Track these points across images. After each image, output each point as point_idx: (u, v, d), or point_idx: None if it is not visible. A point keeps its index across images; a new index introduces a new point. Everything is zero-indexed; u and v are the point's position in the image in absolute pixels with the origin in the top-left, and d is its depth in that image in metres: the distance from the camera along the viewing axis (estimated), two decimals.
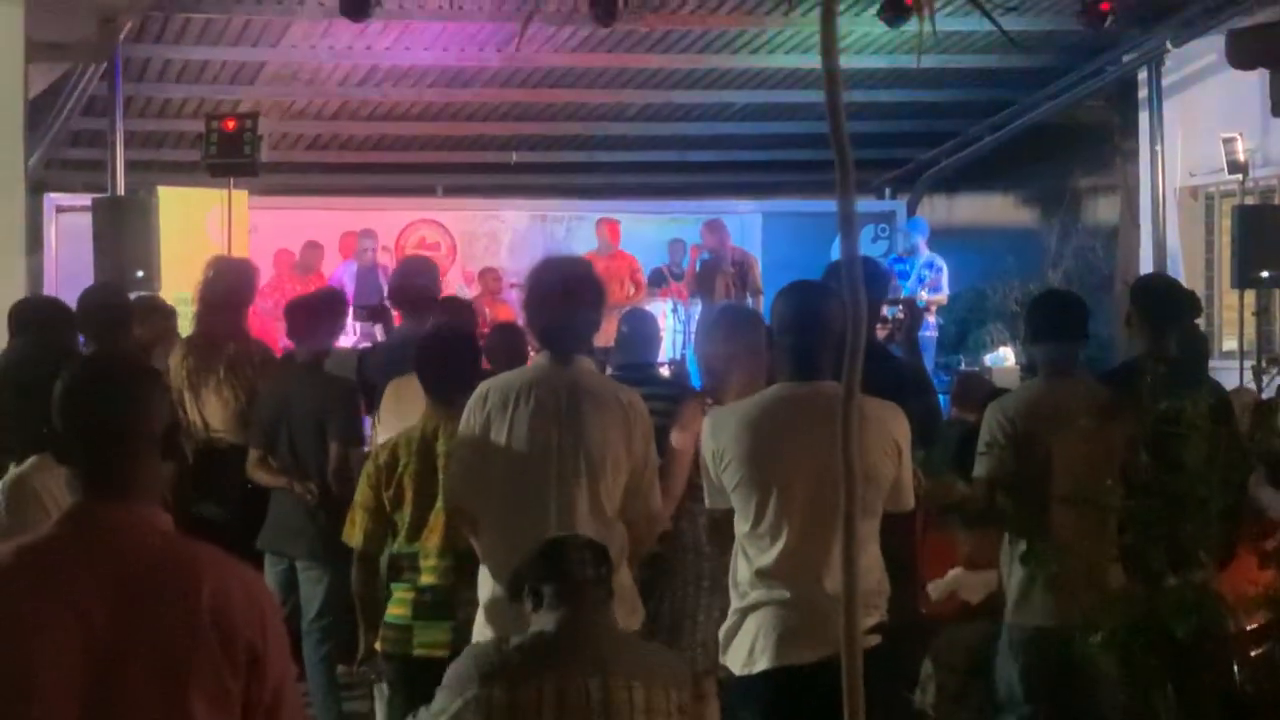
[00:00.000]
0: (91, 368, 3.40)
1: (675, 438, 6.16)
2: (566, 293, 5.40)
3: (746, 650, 4.99)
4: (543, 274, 5.61)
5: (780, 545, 4.95)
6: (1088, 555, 4.87)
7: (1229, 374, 12.30)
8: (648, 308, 13.07)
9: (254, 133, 13.37)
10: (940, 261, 16.91)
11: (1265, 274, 13.72)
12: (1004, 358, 16.13)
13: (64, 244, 16.42)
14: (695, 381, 15.06)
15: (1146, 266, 16.02)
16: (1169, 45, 15.80)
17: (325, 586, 7.42)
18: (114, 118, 14.44)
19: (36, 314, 7.44)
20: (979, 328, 17.89)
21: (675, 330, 16.59)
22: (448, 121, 18.02)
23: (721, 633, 5.14)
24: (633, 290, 17.06)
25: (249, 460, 7.66)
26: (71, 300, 8.02)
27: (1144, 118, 16.70)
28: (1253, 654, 5.03)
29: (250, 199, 14.81)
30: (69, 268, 15.39)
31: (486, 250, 18.72)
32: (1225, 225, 15.40)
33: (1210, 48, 15.10)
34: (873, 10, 14.18)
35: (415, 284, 8.43)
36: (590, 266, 6.09)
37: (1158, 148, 16.34)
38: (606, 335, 7.52)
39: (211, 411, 8.02)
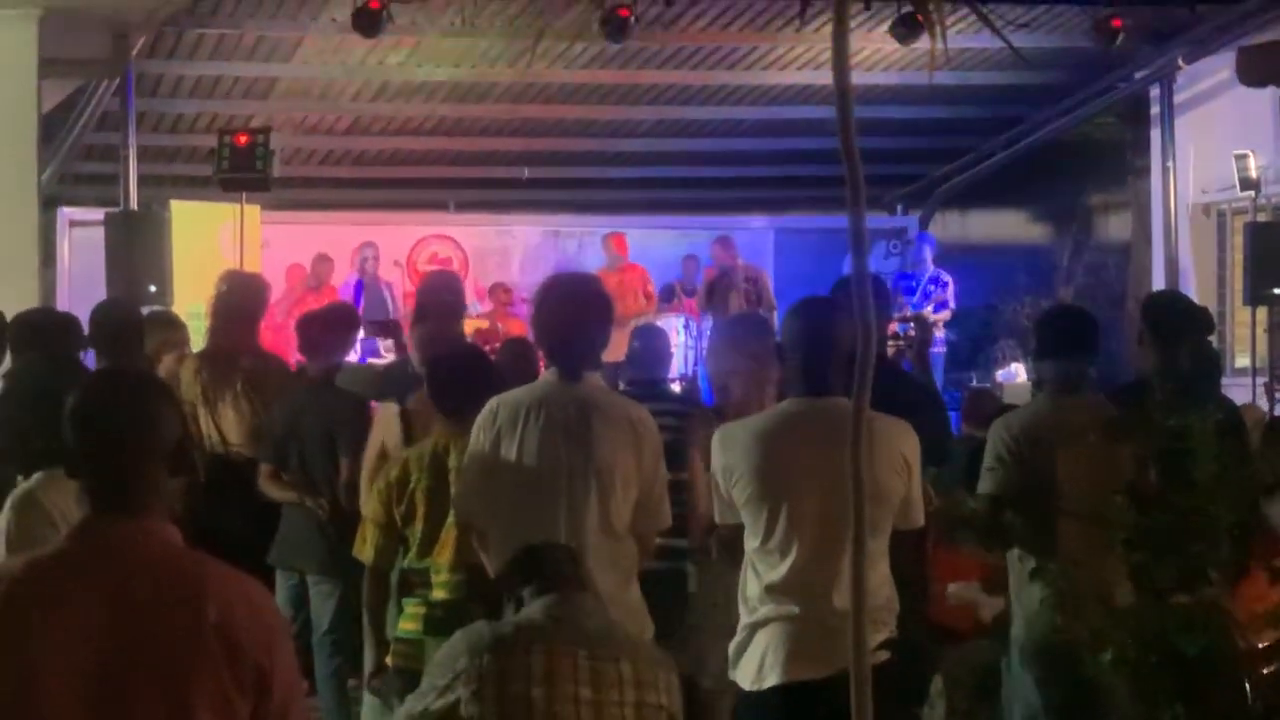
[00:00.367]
0: (102, 382, 3.41)
1: (699, 457, 6.17)
2: (575, 309, 5.41)
3: (756, 666, 4.99)
4: (551, 291, 5.61)
5: (790, 561, 4.95)
6: (1095, 572, 4.86)
7: (1242, 391, 12.29)
8: (659, 323, 13.10)
9: (266, 148, 13.40)
10: (946, 276, 16.92)
11: (1277, 290, 13.71)
12: (1015, 374, 16.11)
13: (77, 258, 16.47)
14: (706, 397, 15.15)
15: (1159, 283, 16.00)
16: (1181, 62, 15.79)
17: (336, 601, 7.42)
18: (127, 132, 14.48)
19: (44, 327, 7.43)
20: (991, 344, 17.88)
21: (687, 346, 16.60)
22: (460, 137, 18.04)
23: (731, 648, 5.13)
24: (644, 302, 17.08)
25: (260, 475, 7.67)
26: (84, 314, 8.02)
27: (1156, 135, 16.69)
28: (1264, 671, 5.02)
29: (263, 214, 14.84)
30: (82, 282, 15.42)
31: (498, 266, 18.75)
32: (1237, 242, 15.39)
33: (1222, 65, 15.09)
34: (885, 27, 14.19)
35: (442, 298, 8.42)
36: (599, 283, 6.10)
37: (1170, 164, 16.32)
38: (618, 350, 7.52)
39: (229, 425, 8.03)
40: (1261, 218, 14.80)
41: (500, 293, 17.20)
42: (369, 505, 6.10)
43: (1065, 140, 18.13)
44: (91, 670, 2.90)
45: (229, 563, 3.10)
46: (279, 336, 13.20)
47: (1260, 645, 5.01)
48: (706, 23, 15.26)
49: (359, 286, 16.58)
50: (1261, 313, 14.36)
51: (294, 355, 8.64)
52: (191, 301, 11.61)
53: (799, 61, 16.36)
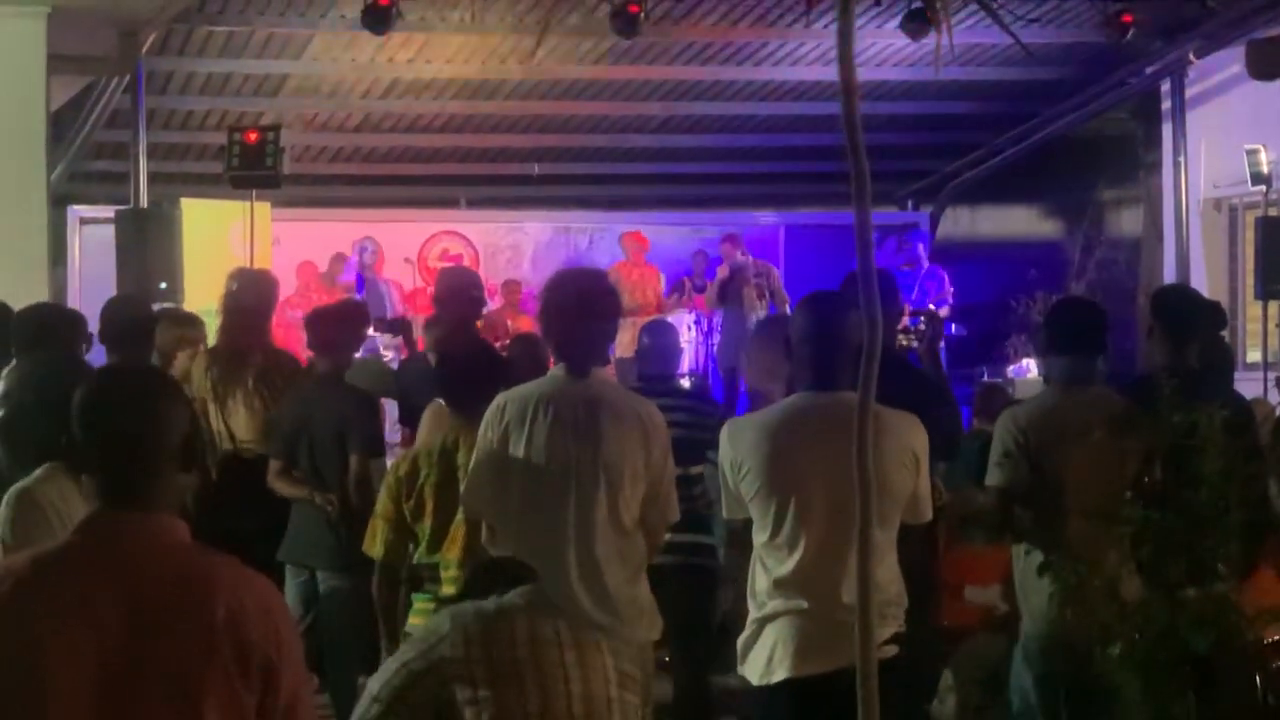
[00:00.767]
0: (110, 378, 3.42)
1: None
2: (582, 305, 5.41)
3: (764, 660, 4.99)
4: (558, 286, 5.61)
5: (798, 555, 4.95)
6: (1102, 566, 4.86)
7: (1254, 385, 12.26)
8: (669, 319, 13.10)
9: (276, 145, 13.39)
10: (941, 271, 16.97)
11: None
12: (1027, 370, 16.10)
13: (87, 256, 16.51)
14: (716, 393, 15.17)
15: (1170, 278, 15.97)
16: (1191, 57, 15.77)
17: (346, 597, 7.42)
18: (137, 130, 14.48)
19: (48, 323, 7.42)
20: (1002, 340, 17.86)
21: (696, 342, 16.62)
22: (470, 134, 18.06)
23: (739, 643, 5.13)
24: (653, 301, 17.10)
25: (270, 471, 7.68)
26: (95, 312, 8.03)
27: (1167, 129, 16.67)
28: (1274, 666, 5.02)
29: (273, 211, 14.85)
30: (92, 279, 15.44)
31: (509, 262, 18.77)
32: (1249, 237, 15.37)
33: (1233, 59, 15.07)
34: (894, 23, 14.18)
35: (469, 294, 8.43)
36: (605, 278, 6.10)
37: (1181, 159, 16.30)
38: (628, 345, 7.53)
39: (239, 422, 8.03)
40: (1273, 212, 14.77)
41: (511, 289, 17.22)
42: (379, 501, 6.11)
43: (1076, 135, 18.11)
44: (99, 666, 2.90)
45: (238, 559, 3.10)
46: (290, 334, 13.21)
47: (1268, 640, 5.00)
48: (716, 18, 15.26)
49: (359, 282, 16.59)
50: (1273, 307, 14.33)
51: (304, 352, 8.64)
52: (202, 299, 11.62)
53: (808, 57, 16.36)
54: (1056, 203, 19.86)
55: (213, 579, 3.00)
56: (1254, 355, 15.16)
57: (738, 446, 5.10)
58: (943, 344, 15.39)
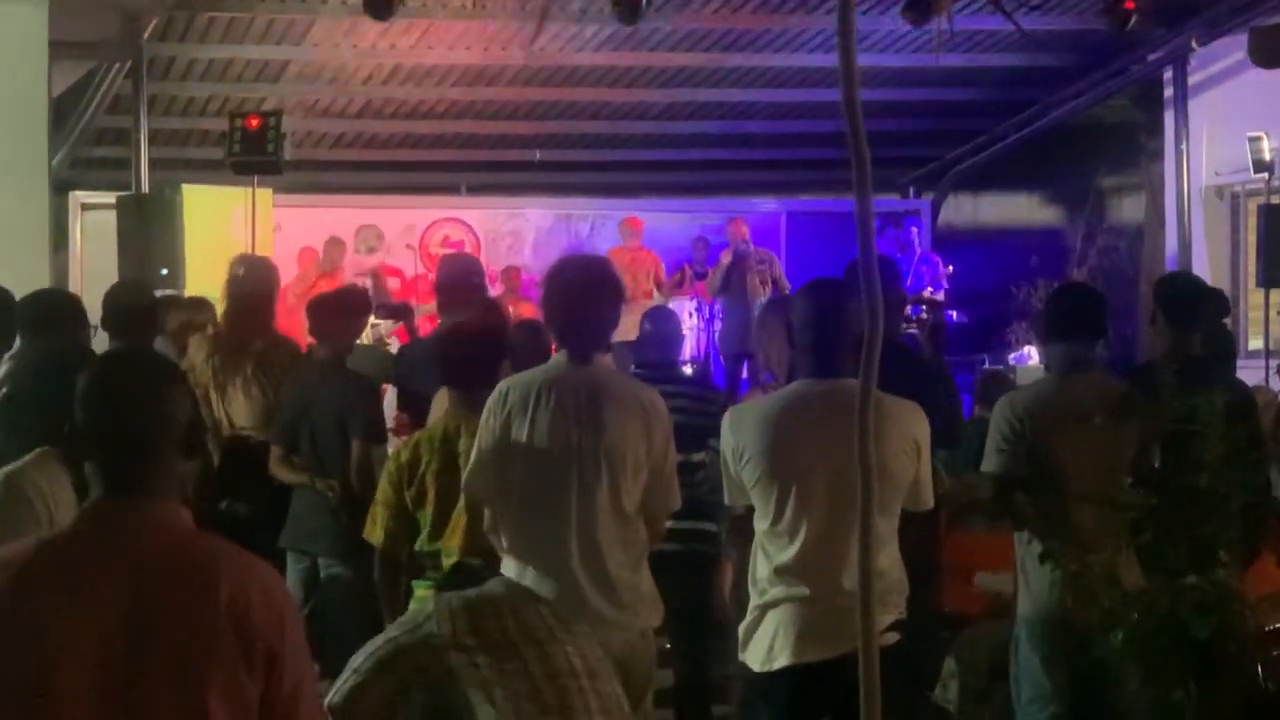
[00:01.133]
0: (114, 365, 3.42)
1: None
2: (584, 291, 5.41)
3: (765, 647, 5.00)
4: (561, 273, 5.61)
5: (799, 542, 4.96)
6: (1100, 551, 4.86)
7: (1255, 373, 12.25)
8: (670, 306, 13.10)
9: (278, 131, 13.39)
10: (935, 257, 17.00)
11: None
12: (1028, 357, 16.12)
13: (89, 242, 16.50)
14: (718, 379, 15.17)
15: (1171, 266, 15.96)
16: (1194, 44, 15.74)
17: (347, 584, 7.42)
18: (138, 116, 14.49)
19: (52, 310, 7.43)
20: (1003, 327, 17.87)
21: (698, 329, 16.61)
22: (471, 120, 18.04)
23: (740, 629, 5.14)
24: (653, 287, 17.09)
25: (271, 458, 7.68)
26: (97, 298, 8.03)
27: (1169, 117, 16.64)
28: (1274, 653, 5.02)
29: (275, 197, 14.85)
30: (94, 265, 15.46)
31: (510, 249, 18.78)
32: (1251, 224, 15.36)
33: (1236, 46, 15.04)
34: (897, 9, 14.16)
35: (471, 281, 8.42)
36: (608, 265, 6.10)
37: (1183, 147, 16.28)
38: (628, 330, 7.52)
39: (237, 409, 8.03)
40: (1275, 200, 14.74)
41: (512, 276, 17.22)
42: (380, 488, 6.11)
43: (1078, 123, 18.09)
44: (102, 653, 2.91)
45: (240, 546, 3.10)
46: (291, 320, 13.21)
47: (1269, 627, 5.00)
48: (718, 5, 15.25)
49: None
50: (1275, 295, 14.30)
51: (305, 338, 8.64)
52: (204, 285, 11.61)
53: (810, 44, 16.34)
54: (1058, 190, 19.86)
55: (216, 566, 3.00)
56: (1255, 343, 15.14)
57: (739, 433, 5.10)
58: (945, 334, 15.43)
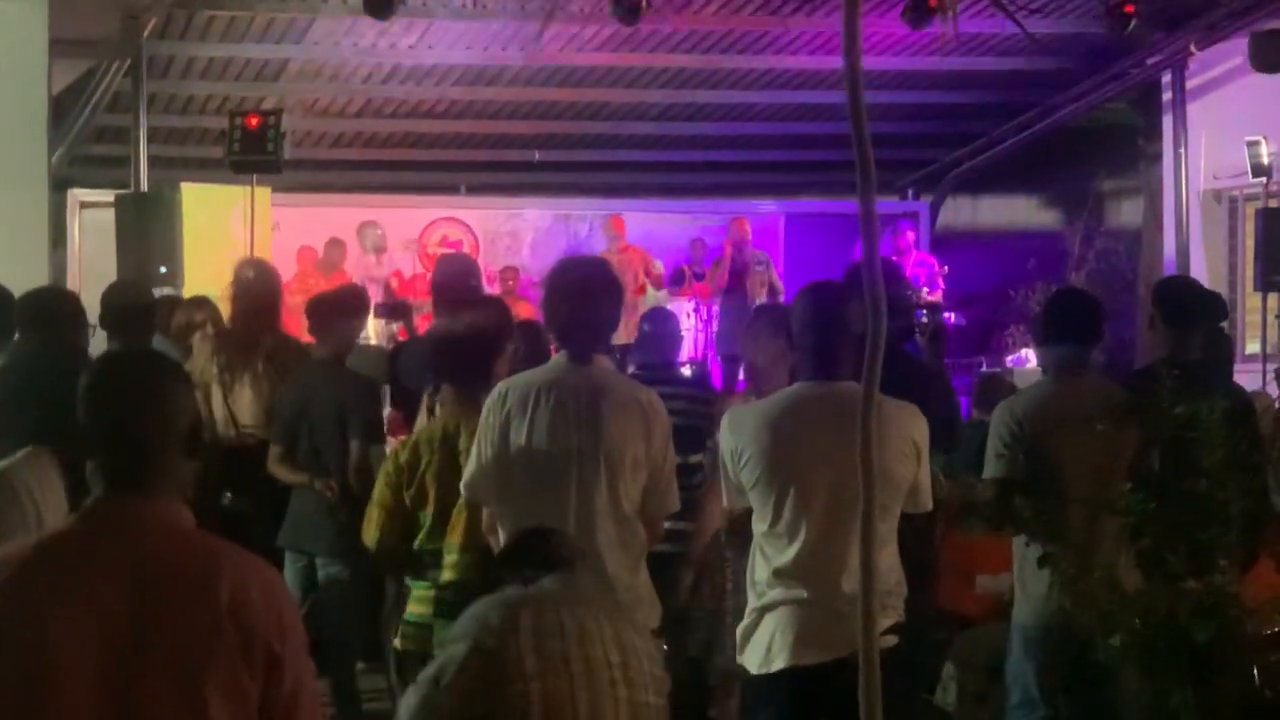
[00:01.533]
0: (114, 363, 3.42)
1: None
2: (584, 292, 5.41)
3: (764, 649, 5.00)
4: (561, 274, 5.61)
5: (798, 545, 4.96)
6: (1101, 555, 4.86)
7: (1253, 377, 12.25)
8: (668, 307, 13.09)
9: (277, 130, 13.37)
10: (930, 258, 17.02)
11: None
12: (1026, 360, 16.11)
13: (88, 240, 16.49)
14: (716, 381, 15.16)
15: (1169, 270, 15.95)
16: (1193, 48, 15.73)
17: (345, 583, 7.43)
18: (138, 114, 14.48)
19: (51, 308, 7.42)
20: (1001, 330, 17.88)
21: (696, 330, 16.61)
22: (471, 120, 18.03)
23: (739, 631, 5.14)
24: (646, 282, 17.08)
25: (270, 457, 7.68)
26: (95, 296, 8.02)
27: (1168, 120, 16.64)
28: (1273, 659, 5.02)
29: (274, 196, 14.83)
30: (92, 263, 15.43)
31: (509, 249, 18.79)
32: (1249, 228, 15.36)
33: (1235, 50, 15.06)
34: (897, 11, 14.15)
35: (468, 283, 8.41)
36: (608, 266, 6.10)
37: (1181, 150, 16.28)
38: (626, 333, 7.52)
39: (243, 407, 8.02)
40: (1273, 204, 14.77)
41: (510, 276, 17.21)
42: (376, 489, 6.10)
43: (1077, 126, 18.09)
44: (103, 651, 2.90)
45: (240, 546, 3.10)
46: (289, 319, 13.19)
47: (1267, 632, 5.01)
48: (718, 6, 15.24)
49: None
50: (1272, 299, 14.32)
51: (304, 337, 8.63)
52: (202, 284, 11.60)
53: (810, 46, 16.33)
54: (1057, 193, 19.87)
55: (217, 565, 3.00)
56: (1253, 347, 15.14)
57: (738, 435, 5.11)
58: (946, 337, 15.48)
